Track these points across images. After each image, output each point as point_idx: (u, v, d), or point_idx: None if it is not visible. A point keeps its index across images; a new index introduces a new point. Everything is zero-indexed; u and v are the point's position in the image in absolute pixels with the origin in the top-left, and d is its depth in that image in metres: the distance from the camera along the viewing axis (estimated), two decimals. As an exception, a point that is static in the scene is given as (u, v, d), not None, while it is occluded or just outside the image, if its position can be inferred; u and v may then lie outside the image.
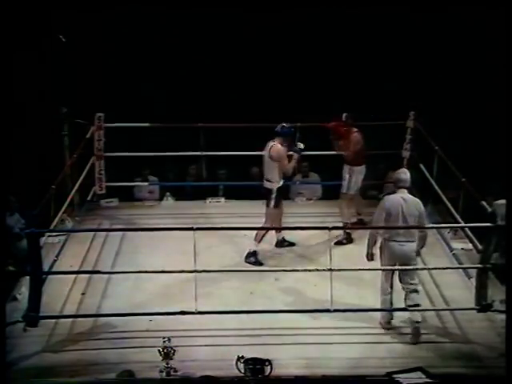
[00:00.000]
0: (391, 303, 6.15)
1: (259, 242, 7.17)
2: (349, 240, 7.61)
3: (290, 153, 7.28)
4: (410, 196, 6.14)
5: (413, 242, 6.07)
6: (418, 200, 6.15)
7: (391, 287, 6.14)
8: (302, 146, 7.29)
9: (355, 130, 7.76)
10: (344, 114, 7.79)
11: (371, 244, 6.19)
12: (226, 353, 5.68)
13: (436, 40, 9.09)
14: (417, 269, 6.27)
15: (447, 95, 9.04)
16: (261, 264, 7.14)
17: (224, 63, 9.54)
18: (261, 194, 7.34)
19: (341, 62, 9.50)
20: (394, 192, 6.18)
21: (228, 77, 9.54)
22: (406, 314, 6.20)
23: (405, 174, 6.18)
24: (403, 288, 6.10)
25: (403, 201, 6.05)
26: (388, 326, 6.15)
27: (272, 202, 7.14)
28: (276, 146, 7.08)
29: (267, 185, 7.16)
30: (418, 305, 6.07)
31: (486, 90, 8.24)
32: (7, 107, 6.23)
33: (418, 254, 6.23)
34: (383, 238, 6.11)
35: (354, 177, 7.78)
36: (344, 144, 7.82)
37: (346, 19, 9.26)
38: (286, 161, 7.13)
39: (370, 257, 6.23)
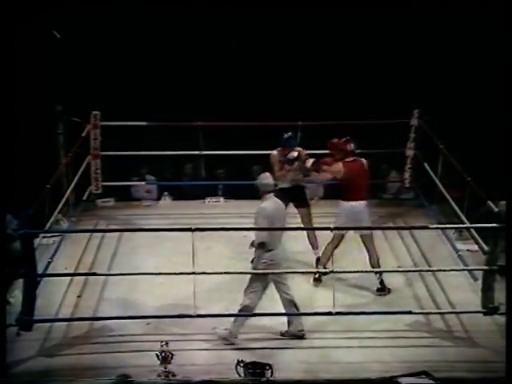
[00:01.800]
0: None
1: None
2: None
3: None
4: (278, 200, 6.13)
5: (280, 248, 6.06)
6: (283, 205, 6.21)
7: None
8: (294, 154, 7.16)
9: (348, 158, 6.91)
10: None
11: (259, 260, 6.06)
12: (225, 357, 5.69)
13: (441, 36, 9.08)
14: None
15: (452, 93, 9.03)
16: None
17: (223, 60, 9.53)
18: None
19: (343, 59, 9.50)
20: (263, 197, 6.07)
21: (227, 74, 9.54)
22: (411, 318, 6.20)
23: (269, 178, 6.15)
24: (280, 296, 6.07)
25: (278, 206, 6.06)
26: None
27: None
28: (273, 152, 7.19)
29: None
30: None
31: (493, 88, 8.23)
32: (7, 108, 6.23)
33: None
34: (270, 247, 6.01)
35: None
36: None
37: (349, 15, 9.25)
38: (275, 167, 7.15)
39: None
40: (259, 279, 6.02)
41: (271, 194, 6.10)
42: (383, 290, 6.73)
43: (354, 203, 6.71)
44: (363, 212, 6.74)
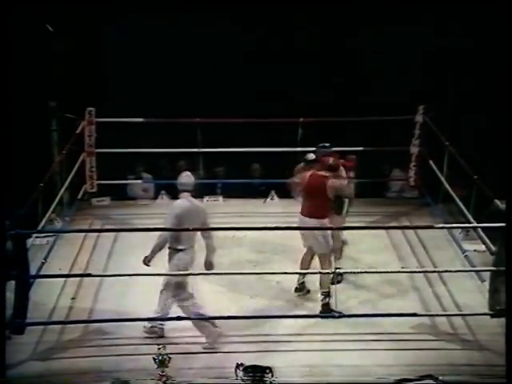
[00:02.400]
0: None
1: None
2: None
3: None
4: (197, 201, 6.11)
5: (193, 248, 6.01)
6: (203, 206, 6.19)
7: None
8: (311, 156, 6.97)
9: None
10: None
11: (156, 250, 6.03)
12: (224, 360, 5.67)
13: (447, 28, 9.07)
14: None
15: (458, 88, 9.02)
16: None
17: (222, 56, 9.52)
18: (260, 192, 7.29)
19: (346, 54, 9.50)
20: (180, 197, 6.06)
21: (226, 70, 9.53)
22: (416, 320, 6.20)
23: (188, 177, 6.12)
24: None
25: (191, 207, 6.01)
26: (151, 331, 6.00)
27: None
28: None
29: None
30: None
31: (500, 82, 8.21)
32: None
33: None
34: (169, 247, 6.02)
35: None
36: None
37: (351, 11, 9.24)
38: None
39: (148, 262, 6.07)
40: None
41: (187, 194, 6.01)
42: (301, 290, 6.68)
43: (301, 217, 6.60)
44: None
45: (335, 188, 6.46)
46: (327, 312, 6.30)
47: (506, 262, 5.61)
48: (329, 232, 6.43)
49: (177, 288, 5.97)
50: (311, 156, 6.84)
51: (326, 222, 6.45)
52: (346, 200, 6.78)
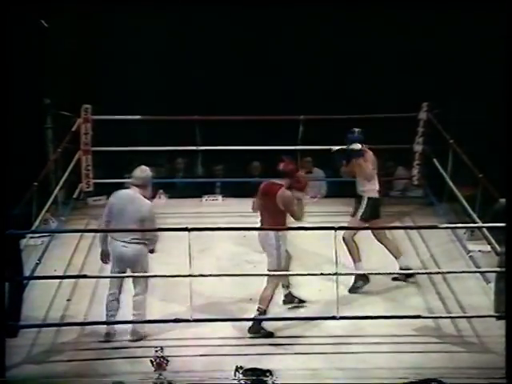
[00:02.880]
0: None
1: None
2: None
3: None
4: (139, 196, 6.09)
5: (138, 243, 6.05)
6: (146, 203, 6.11)
7: (118, 293, 6.11)
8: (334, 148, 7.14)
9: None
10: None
11: (102, 241, 6.16)
12: (223, 363, 5.67)
13: (452, 23, 9.05)
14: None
15: (463, 84, 9.00)
16: None
17: (221, 52, 9.52)
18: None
19: (347, 50, 9.49)
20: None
21: (226, 66, 9.53)
22: (419, 322, 6.19)
23: (141, 171, 6.16)
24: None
25: (127, 198, 6.07)
26: (107, 338, 6.03)
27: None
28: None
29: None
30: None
31: (507, 78, 8.19)
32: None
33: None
34: (110, 237, 6.11)
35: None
36: None
37: (355, 5, 9.23)
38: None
39: (104, 257, 6.18)
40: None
41: (135, 188, 6.09)
42: (291, 301, 6.56)
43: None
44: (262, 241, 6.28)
45: (283, 199, 6.12)
46: (256, 331, 6.04)
47: (506, 262, 5.63)
48: (283, 248, 6.20)
49: None
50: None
51: (272, 234, 6.16)
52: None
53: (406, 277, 6.89)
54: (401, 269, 6.88)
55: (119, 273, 6.14)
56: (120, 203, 6.11)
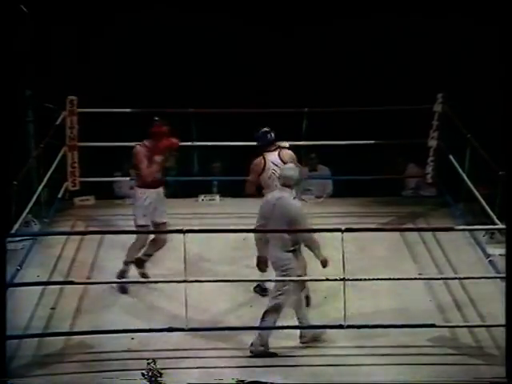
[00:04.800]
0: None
1: None
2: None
3: None
4: (288, 198, 6.12)
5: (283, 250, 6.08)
6: (295, 205, 6.12)
7: None
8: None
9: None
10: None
11: (259, 248, 6.29)
12: (221, 376, 5.66)
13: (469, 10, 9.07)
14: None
15: (481, 74, 9.01)
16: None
17: (219, 41, 9.54)
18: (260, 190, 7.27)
19: (354, 38, 9.51)
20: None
21: (223, 56, 9.54)
22: (434, 332, 6.21)
23: (291, 170, 6.23)
24: None
25: (275, 200, 6.11)
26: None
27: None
28: (288, 151, 6.92)
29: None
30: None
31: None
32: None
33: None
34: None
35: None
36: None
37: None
38: None
39: (262, 264, 6.27)
40: None
41: (286, 188, 6.13)
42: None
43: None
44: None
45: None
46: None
47: (506, 262, 5.65)
48: None
49: None
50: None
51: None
52: None
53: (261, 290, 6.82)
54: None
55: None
56: (269, 206, 6.13)
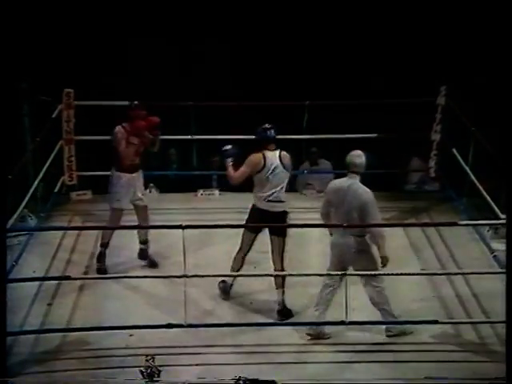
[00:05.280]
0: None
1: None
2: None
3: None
4: (358, 184, 6.22)
5: (356, 236, 6.18)
6: (366, 191, 6.19)
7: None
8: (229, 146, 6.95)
9: None
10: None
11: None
12: (222, 373, 5.67)
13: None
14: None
15: (487, 65, 9.00)
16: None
17: (218, 31, 9.52)
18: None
19: (355, 29, 9.50)
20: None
21: (223, 47, 9.52)
22: (437, 328, 6.22)
23: (359, 157, 6.29)
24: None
25: (346, 187, 6.19)
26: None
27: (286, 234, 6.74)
28: (287, 154, 6.80)
29: (282, 206, 6.69)
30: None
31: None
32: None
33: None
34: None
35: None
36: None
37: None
38: None
39: None
40: None
41: (354, 175, 6.23)
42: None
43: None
44: None
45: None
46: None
47: (506, 262, 5.67)
48: None
49: None
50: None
51: None
52: None
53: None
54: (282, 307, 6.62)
55: (338, 266, 6.22)
56: (339, 193, 6.20)
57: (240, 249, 6.73)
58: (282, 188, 6.64)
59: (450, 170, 8.72)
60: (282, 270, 6.57)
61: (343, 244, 6.18)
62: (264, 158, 6.63)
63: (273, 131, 6.70)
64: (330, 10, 9.46)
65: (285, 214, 6.66)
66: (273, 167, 6.62)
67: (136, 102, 7.19)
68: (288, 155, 6.76)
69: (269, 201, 6.61)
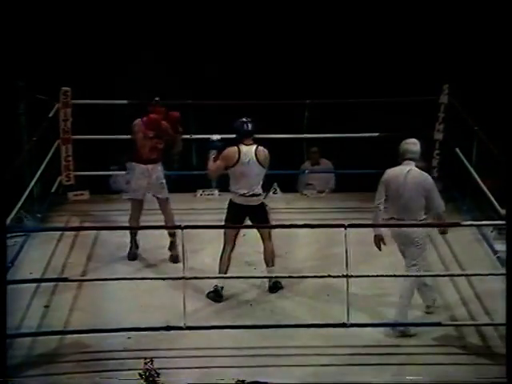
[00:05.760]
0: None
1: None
2: None
3: None
4: (417, 170, 6.39)
5: (416, 221, 6.36)
6: (426, 175, 6.41)
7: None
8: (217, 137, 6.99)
9: None
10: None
11: (375, 220, 6.46)
12: (221, 376, 5.67)
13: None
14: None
15: (490, 63, 8.99)
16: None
17: (217, 29, 9.52)
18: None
19: (356, 27, 9.50)
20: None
21: (222, 45, 9.52)
22: (440, 331, 6.20)
23: (414, 144, 6.48)
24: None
25: (406, 173, 6.34)
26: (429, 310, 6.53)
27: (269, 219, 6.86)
28: (263, 147, 6.83)
29: (257, 200, 6.80)
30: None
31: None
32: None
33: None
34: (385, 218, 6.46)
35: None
36: None
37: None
38: None
39: (378, 242, 6.42)
40: None
41: (410, 162, 6.39)
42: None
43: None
44: None
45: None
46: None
47: (506, 262, 5.68)
48: None
49: None
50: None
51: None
52: None
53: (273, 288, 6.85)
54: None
55: (402, 251, 6.44)
56: (398, 180, 6.35)
57: (224, 249, 6.77)
58: (257, 183, 6.72)
59: (453, 170, 8.71)
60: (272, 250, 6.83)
61: (405, 231, 6.35)
62: (239, 152, 6.67)
63: (250, 125, 6.74)
64: (331, 7, 9.46)
65: (262, 205, 6.77)
66: (247, 161, 6.65)
67: (157, 99, 7.37)
68: (265, 151, 6.78)
69: (244, 195, 6.71)
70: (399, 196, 6.32)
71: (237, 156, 6.66)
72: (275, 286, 6.80)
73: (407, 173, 6.34)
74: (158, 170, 7.36)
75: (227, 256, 6.77)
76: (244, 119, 6.76)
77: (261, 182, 6.76)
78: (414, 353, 6.10)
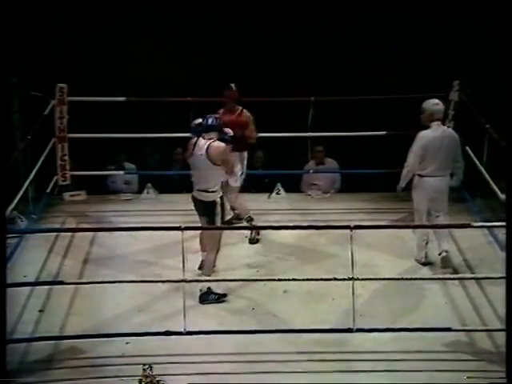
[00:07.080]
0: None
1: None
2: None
3: None
4: (447, 128, 7.35)
5: (447, 176, 7.26)
6: (453, 132, 7.32)
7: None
8: (230, 132, 7.02)
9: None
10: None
11: (405, 179, 7.33)
12: (221, 381, 5.69)
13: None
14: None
15: (501, 60, 8.98)
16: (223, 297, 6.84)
17: (219, 24, 9.54)
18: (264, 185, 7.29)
19: (363, 23, 9.51)
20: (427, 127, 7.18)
21: (227, 45, 9.55)
22: (450, 336, 6.20)
23: (438, 104, 7.22)
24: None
25: (442, 133, 7.17)
26: (424, 261, 7.29)
27: (217, 219, 6.90)
28: (218, 143, 6.83)
29: (206, 196, 6.86)
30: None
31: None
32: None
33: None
34: (417, 174, 7.23)
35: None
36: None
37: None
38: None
39: (402, 190, 7.39)
40: None
41: (439, 122, 7.18)
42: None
43: None
44: None
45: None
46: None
47: (506, 262, 5.67)
48: None
49: None
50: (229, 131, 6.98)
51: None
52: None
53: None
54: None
55: (427, 207, 7.32)
56: (437, 142, 7.12)
57: (216, 251, 6.86)
58: (209, 179, 6.77)
59: (464, 169, 8.70)
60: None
61: (440, 185, 7.21)
62: (194, 144, 6.80)
63: (210, 120, 6.83)
64: (338, 2, 9.47)
65: (212, 203, 6.79)
66: (199, 154, 6.77)
67: (232, 84, 7.74)
68: (219, 147, 6.77)
69: (196, 189, 6.87)
70: (437, 155, 7.09)
71: (192, 148, 6.84)
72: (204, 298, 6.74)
73: (442, 132, 7.14)
74: (240, 158, 7.79)
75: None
76: (209, 115, 6.89)
77: (215, 179, 6.81)
78: (423, 359, 6.09)
